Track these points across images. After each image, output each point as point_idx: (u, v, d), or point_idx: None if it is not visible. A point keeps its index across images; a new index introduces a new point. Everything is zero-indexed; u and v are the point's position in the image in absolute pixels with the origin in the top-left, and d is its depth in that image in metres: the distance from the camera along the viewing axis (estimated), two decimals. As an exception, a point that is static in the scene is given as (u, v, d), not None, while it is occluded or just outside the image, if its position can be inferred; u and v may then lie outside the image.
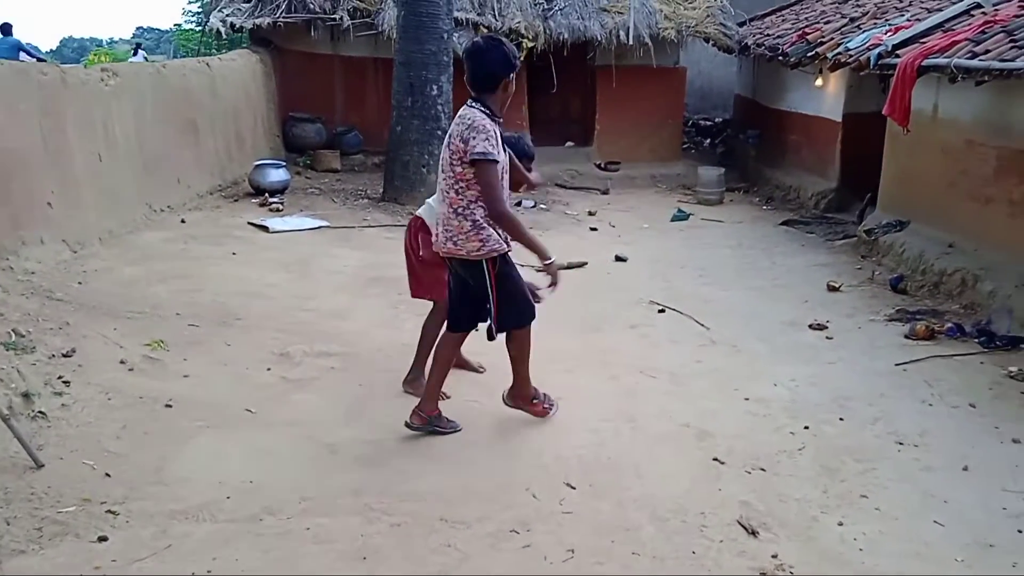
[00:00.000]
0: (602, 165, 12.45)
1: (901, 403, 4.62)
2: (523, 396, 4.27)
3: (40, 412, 3.78)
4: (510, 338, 4.14)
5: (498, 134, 3.83)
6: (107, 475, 3.45)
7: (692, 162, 12.92)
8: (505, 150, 4.00)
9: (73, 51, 51.72)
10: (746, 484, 3.72)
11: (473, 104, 3.85)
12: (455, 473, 3.72)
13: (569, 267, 7.44)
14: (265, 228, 8.00)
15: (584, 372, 5.02)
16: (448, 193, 3.85)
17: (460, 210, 3.83)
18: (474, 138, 3.71)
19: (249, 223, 8.14)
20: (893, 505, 3.57)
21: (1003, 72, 5.56)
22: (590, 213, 9.81)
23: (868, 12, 9.57)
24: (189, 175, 8.76)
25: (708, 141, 14.93)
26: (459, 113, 3.87)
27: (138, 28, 48.26)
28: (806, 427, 4.29)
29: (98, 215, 6.68)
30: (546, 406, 4.33)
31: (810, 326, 5.90)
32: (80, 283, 5.54)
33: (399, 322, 5.79)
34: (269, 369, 4.78)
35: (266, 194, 9.15)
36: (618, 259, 7.77)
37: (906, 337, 5.67)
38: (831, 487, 3.72)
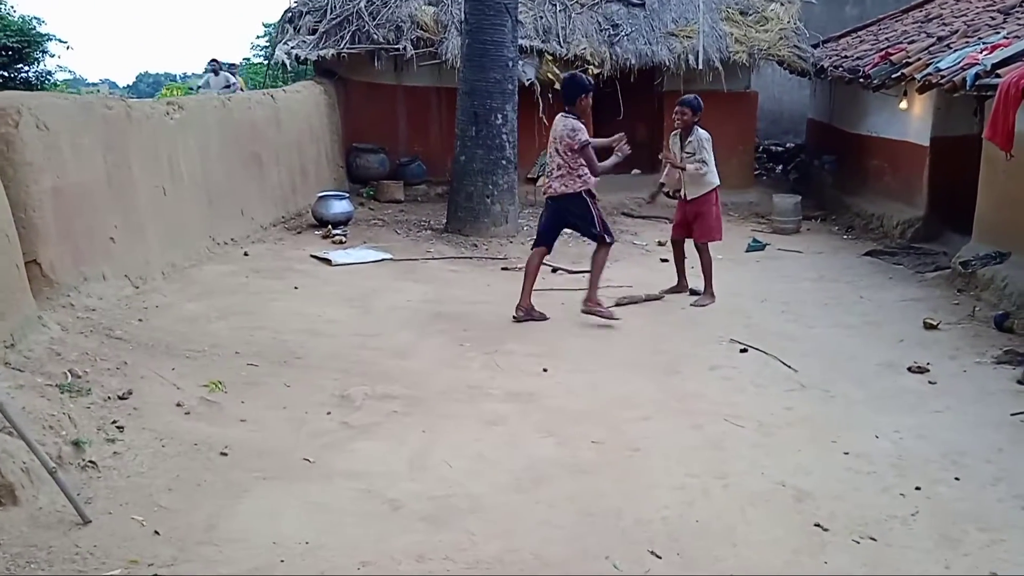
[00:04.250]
0: (670, 193, 12.03)
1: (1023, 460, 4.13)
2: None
3: (91, 462, 3.59)
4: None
5: None
6: (156, 533, 3.22)
7: (764, 189, 12.45)
8: None
9: (148, 86, 53.58)
10: (855, 556, 3.30)
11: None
12: (526, 537, 3.39)
13: (648, 299, 7.12)
14: (328, 261, 7.85)
15: (664, 420, 4.65)
16: None
17: None
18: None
19: (312, 256, 8.01)
20: (1030, 586, 3.12)
21: None
22: (660, 244, 9.43)
23: (957, 31, 9.02)
24: (253, 207, 8.69)
25: (780, 167, 14.43)
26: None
27: (211, 62, 49.58)
28: (917, 488, 3.84)
29: (161, 249, 6.58)
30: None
31: (909, 369, 5.41)
32: (140, 320, 5.41)
33: (464, 361, 5.52)
34: (329, 413, 4.53)
35: (329, 226, 9.03)
36: (693, 293, 7.38)
37: (1019, 383, 5.14)
38: (954, 562, 3.27)
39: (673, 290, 7.41)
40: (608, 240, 6.54)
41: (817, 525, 3.51)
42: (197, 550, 3.14)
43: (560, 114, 6.43)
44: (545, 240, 6.65)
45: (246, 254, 7.76)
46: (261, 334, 5.65)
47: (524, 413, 4.68)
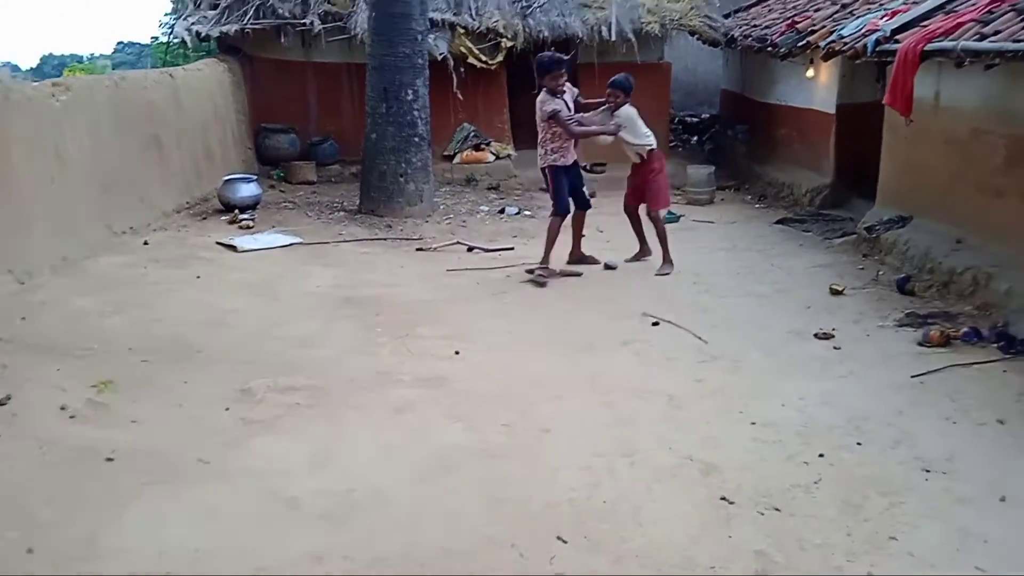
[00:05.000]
0: (587, 167, 11.98)
1: (923, 422, 4.22)
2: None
3: (-42, 479, 3.33)
4: None
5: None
6: (29, 551, 3.00)
7: (680, 160, 12.49)
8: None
9: (54, 68, 50.85)
10: (760, 528, 3.31)
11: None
12: (431, 529, 3.29)
13: (563, 274, 7.10)
14: (233, 247, 7.56)
15: (574, 398, 4.60)
16: None
17: None
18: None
19: (217, 242, 7.70)
20: (927, 548, 3.17)
21: (1017, 54, 5.14)
22: (578, 218, 9.38)
23: (860, -2, 9.17)
24: (153, 193, 8.30)
25: (696, 138, 14.54)
26: None
27: (119, 43, 47.31)
28: (821, 455, 3.88)
29: (49, 241, 6.21)
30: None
31: (816, 335, 5.49)
32: (23, 319, 5.09)
33: (374, 347, 5.36)
34: (228, 409, 4.33)
35: (236, 210, 8.70)
36: (608, 267, 7.36)
37: (920, 344, 5.27)
38: (855, 528, 3.31)
39: (635, 257, 7.50)
40: (555, 212, 7.02)
41: (723, 499, 3.51)
42: (74, 567, 2.94)
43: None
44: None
45: (146, 243, 7.41)
46: (158, 328, 5.40)
47: (433, 399, 4.57)
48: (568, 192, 7.06)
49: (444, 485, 3.66)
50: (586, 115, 7.17)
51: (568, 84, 7.01)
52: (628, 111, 7.08)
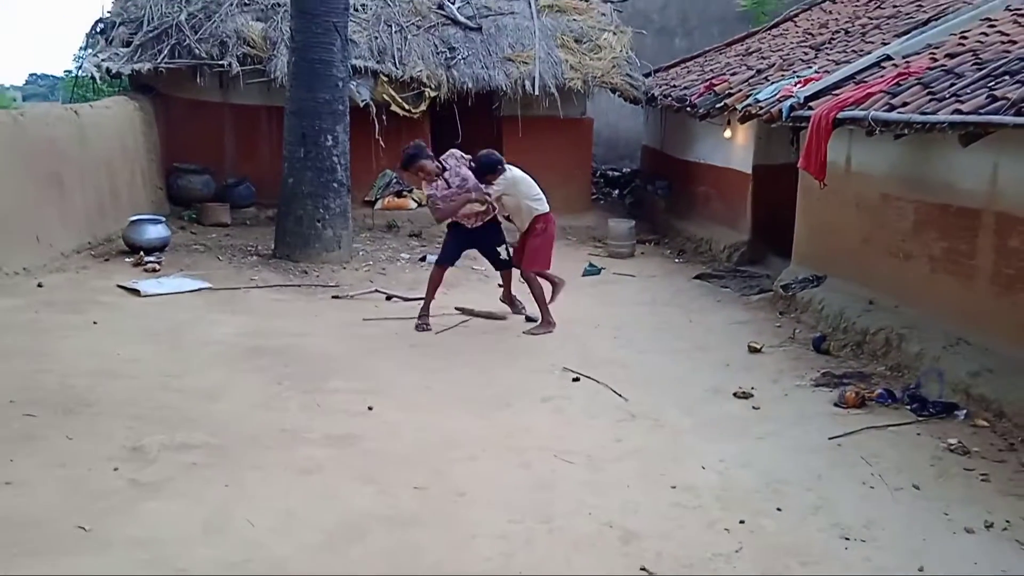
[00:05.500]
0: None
1: (841, 486, 4.18)
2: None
3: None
4: None
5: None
6: None
7: (602, 213, 12.64)
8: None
9: (-39, 97, 48.60)
10: (681, 600, 3.18)
11: None
12: (334, 604, 3.05)
13: (487, 316, 7.15)
14: (136, 291, 7.17)
15: (491, 459, 4.41)
16: None
17: None
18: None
19: (119, 286, 7.30)
20: (849, 621, 3.09)
21: (924, 125, 5.32)
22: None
23: (774, 64, 9.50)
24: (51, 233, 7.86)
25: (617, 192, 14.74)
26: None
27: (31, 75, 45.53)
28: (741, 521, 3.78)
29: (-73, 282, 5.77)
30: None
31: (735, 394, 5.46)
32: None
33: (280, 401, 5.09)
34: (116, 469, 3.99)
35: (142, 252, 8.30)
36: (529, 319, 7.25)
37: (836, 405, 5.29)
38: (777, 600, 3.21)
39: (550, 301, 7.17)
40: (437, 260, 7.31)
41: (643, 569, 3.36)
42: (-79, 656, 2.60)
43: None
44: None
45: (40, 285, 6.98)
46: (46, 378, 5.02)
47: (343, 459, 4.33)
48: (484, 253, 7.47)
49: (350, 554, 3.42)
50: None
51: (453, 151, 7.03)
52: (507, 177, 6.90)
